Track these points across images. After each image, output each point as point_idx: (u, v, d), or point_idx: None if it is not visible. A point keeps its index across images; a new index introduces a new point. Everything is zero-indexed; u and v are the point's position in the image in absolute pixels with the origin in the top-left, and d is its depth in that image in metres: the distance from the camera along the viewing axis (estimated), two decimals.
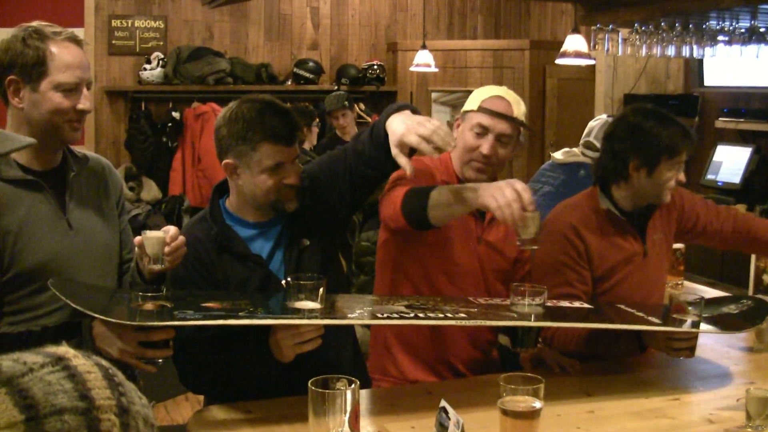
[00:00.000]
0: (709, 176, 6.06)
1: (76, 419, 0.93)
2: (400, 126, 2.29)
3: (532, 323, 2.42)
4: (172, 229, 2.25)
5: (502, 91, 2.87)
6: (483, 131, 2.78)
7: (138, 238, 2.23)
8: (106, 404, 0.96)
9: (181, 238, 2.26)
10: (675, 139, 2.79)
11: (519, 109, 2.80)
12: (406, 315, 2.31)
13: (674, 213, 3.00)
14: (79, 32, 2.34)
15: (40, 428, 0.91)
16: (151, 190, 7.47)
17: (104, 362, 1.02)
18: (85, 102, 2.28)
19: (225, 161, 2.48)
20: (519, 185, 2.35)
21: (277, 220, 2.54)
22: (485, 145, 2.76)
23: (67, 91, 2.25)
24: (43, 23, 2.29)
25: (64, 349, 1.01)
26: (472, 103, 2.85)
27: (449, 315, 2.35)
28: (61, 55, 2.25)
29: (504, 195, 2.31)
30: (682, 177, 2.82)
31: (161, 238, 2.21)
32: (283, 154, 2.43)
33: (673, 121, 2.84)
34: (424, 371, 2.84)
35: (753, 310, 2.70)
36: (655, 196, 2.85)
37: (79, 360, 0.99)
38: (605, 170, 2.90)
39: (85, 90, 2.29)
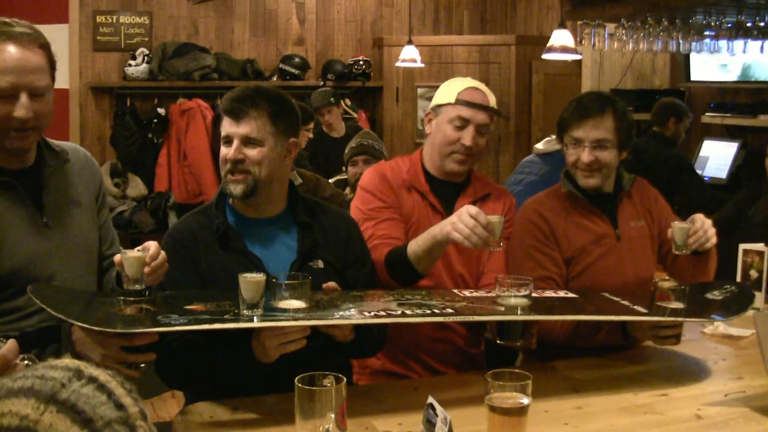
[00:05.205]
0: (696, 171, 6.07)
1: (123, 429, 0.93)
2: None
3: (519, 317, 2.40)
4: (152, 247, 2.17)
5: (474, 82, 2.93)
6: (463, 123, 2.83)
7: (117, 257, 2.14)
8: (134, 411, 0.96)
9: (162, 255, 2.19)
10: (569, 111, 2.83)
11: (492, 98, 2.89)
12: (393, 313, 2.28)
13: (651, 206, 2.98)
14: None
15: None
16: (136, 187, 7.43)
17: (110, 371, 1.01)
18: (21, 110, 2.07)
19: None
20: (472, 210, 2.46)
21: (278, 217, 2.54)
22: (467, 137, 2.82)
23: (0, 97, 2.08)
24: (3, 18, 2.13)
25: (69, 361, 1.00)
26: (445, 96, 2.88)
27: (436, 311, 2.32)
28: None
29: (464, 224, 2.43)
30: (584, 157, 2.78)
31: (141, 258, 2.13)
32: (230, 127, 2.43)
33: (591, 98, 2.85)
34: (394, 364, 2.84)
35: (737, 296, 2.70)
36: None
37: (94, 370, 0.99)
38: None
39: (23, 97, 2.08)
